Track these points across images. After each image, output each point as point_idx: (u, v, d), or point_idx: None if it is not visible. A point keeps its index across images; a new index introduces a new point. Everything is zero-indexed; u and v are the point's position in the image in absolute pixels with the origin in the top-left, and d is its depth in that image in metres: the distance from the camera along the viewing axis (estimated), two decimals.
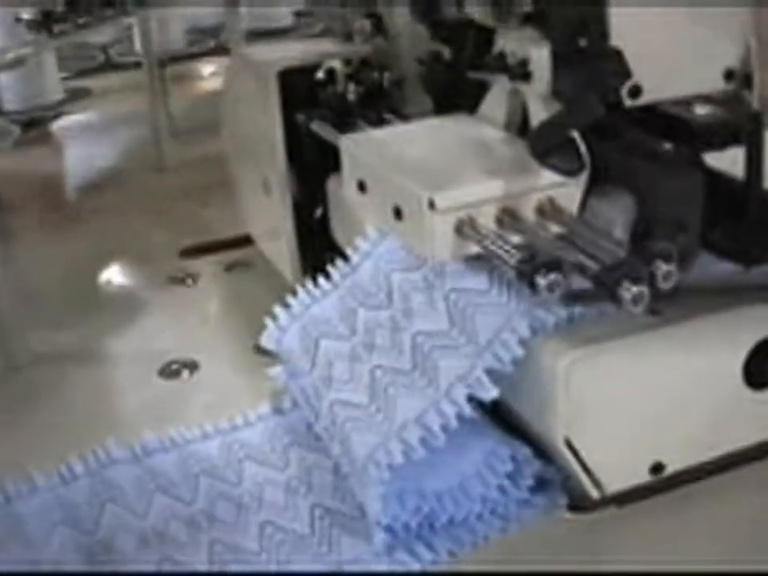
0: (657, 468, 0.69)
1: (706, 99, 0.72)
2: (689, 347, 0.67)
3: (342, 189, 0.89)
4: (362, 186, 0.74)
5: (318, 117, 0.88)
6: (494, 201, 0.67)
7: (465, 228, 0.66)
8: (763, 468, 0.72)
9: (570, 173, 0.65)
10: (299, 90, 0.92)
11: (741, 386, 0.70)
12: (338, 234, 0.94)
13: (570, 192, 0.68)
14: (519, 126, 0.75)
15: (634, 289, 0.57)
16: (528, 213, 0.68)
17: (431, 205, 0.65)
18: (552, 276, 0.59)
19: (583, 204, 0.69)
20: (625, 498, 0.70)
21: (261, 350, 0.90)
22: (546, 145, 0.64)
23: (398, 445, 0.66)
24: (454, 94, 0.81)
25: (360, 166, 0.74)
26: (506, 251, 0.62)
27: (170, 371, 0.91)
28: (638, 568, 0.65)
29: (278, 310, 0.83)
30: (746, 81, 0.69)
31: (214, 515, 0.72)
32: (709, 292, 0.68)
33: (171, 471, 0.76)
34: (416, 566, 0.66)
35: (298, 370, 0.79)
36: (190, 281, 1.08)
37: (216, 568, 0.67)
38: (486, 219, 0.67)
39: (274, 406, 0.83)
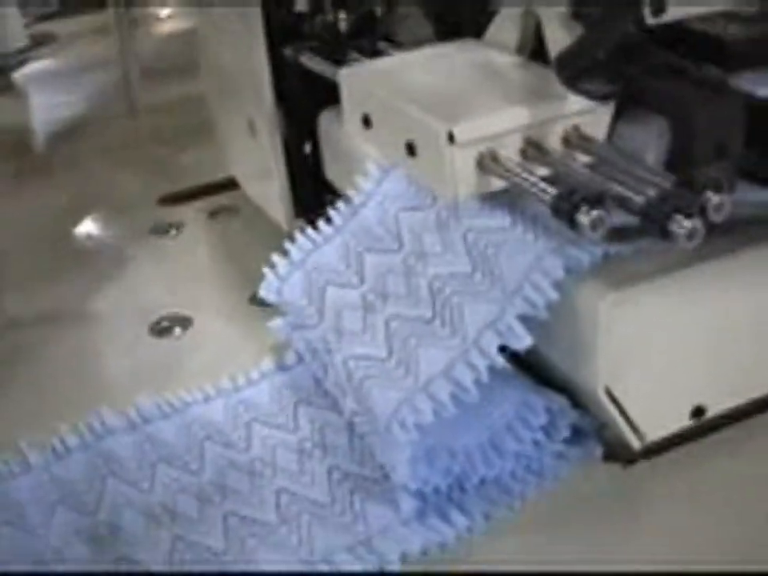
0: (698, 412, 0.64)
1: (732, 17, 0.66)
2: (729, 283, 0.62)
3: (339, 125, 0.83)
4: (366, 121, 0.68)
5: (307, 49, 0.82)
6: (516, 131, 0.61)
7: (487, 162, 0.61)
8: None
9: (603, 97, 0.59)
10: (284, 21, 0.85)
11: None
12: (333, 173, 0.88)
13: (596, 119, 0.63)
14: (532, 49, 0.70)
15: (687, 223, 0.52)
16: (553, 143, 0.62)
17: (450, 138, 0.59)
18: (595, 212, 0.53)
19: (611, 131, 0.63)
20: (664, 446, 0.65)
21: (257, 302, 0.84)
22: (574, 69, 0.58)
23: (425, 401, 0.60)
24: (457, 19, 0.74)
25: (364, 100, 0.68)
26: (538, 186, 0.57)
27: (160, 329, 0.85)
28: (679, 522, 0.61)
29: (276, 258, 0.77)
30: None
31: (225, 486, 0.66)
32: (748, 223, 0.62)
33: (173, 439, 0.71)
34: (450, 533, 0.61)
35: (302, 322, 0.74)
36: (173, 231, 1.01)
37: (234, 545, 0.62)
38: (509, 151, 0.61)
39: (278, 361, 0.78)
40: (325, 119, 0.88)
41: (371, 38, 0.83)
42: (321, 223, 0.78)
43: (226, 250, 0.97)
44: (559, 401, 0.64)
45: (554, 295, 0.60)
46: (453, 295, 0.64)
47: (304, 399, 0.74)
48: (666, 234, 0.52)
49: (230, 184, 1.02)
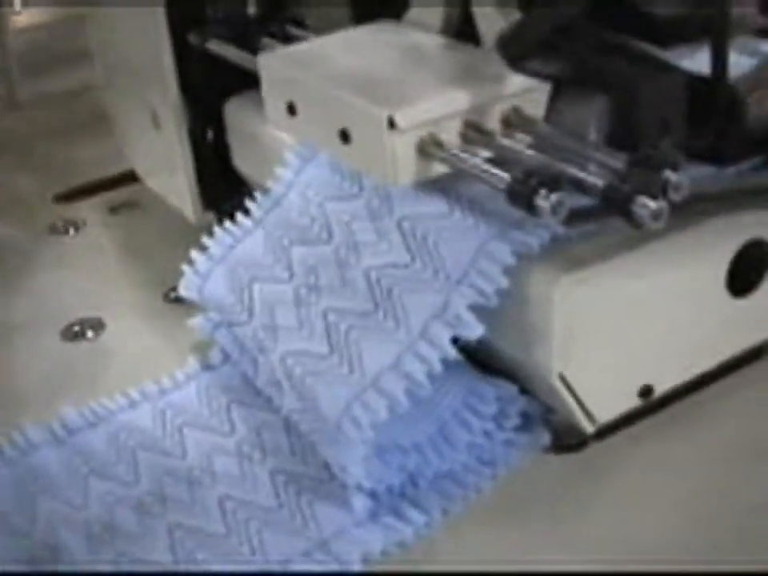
0: (646, 391, 0.64)
1: None
2: (674, 261, 0.62)
3: (249, 113, 0.80)
4: (291, 109, 0.65)
5: (214, 35, 0.78)
6: (456, 115, 0.59)
7: (428, 147, 0.58)
8: (747, 375, 0.68)
9: (549, 76, 0.58)
10: (187, 6, 0.81)
11: (724, 295, 0.65)
12: (243, 163, 0.86)
13: (535, 99, 0.61)
14: (456, 30, 0.68)
15: (653, 204, 0.50)
16: (493, 125, 0.60)
17: (391, 124, 0.57)
18: (554, 196, 0.51)
19: (549, 111, 0.61)
20: (613, 427, 0.64)
21: (173, 300, 0.81)
22: (518, 49, 0.57)
23: (378, 398, 0.58)
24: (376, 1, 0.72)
25: (289, 87, 0.65)
26: (488, 170, 0.55)
27: (72, 334, 0.81)
28: (632, 501, 0.61)
29: (194, 254, 0.74)
30: None
31: (164, 496, 0.63)
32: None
33: (103, 450, 0.67)
34: (408, 531, 0.59)
35: (229, 320, 0.71)
36: (72, 229, 0.97)
37: (181, 558, 0.59)
38: (450, 136, 0.59)
39: (202, 361, 0.75)
40: (232, 107, 0.85)
41: (280, 22, 0.80)
42: (239, 216, 0.75)
43: (132, 246, 0.93)
44: (509, 388, 0.63)
45: (503, 282, 0.58)
46: (393, 286, 0.62)
47: (236, 399, 0.71)
48: (629, 216, 0.51)
49: (129, 178, 0.98)
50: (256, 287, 0.69)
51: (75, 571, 0.58)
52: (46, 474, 0.65)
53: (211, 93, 0.84)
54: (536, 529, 0.59)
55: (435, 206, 0.63)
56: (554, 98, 0.61)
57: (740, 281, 0.65)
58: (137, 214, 0.97)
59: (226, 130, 0.85)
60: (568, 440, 0.65)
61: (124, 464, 0.66)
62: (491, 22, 0.63)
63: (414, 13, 0.69)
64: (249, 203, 0.75)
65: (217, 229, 0.75)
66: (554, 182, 0.51)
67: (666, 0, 0.61)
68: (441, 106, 0.58)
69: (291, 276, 0.68)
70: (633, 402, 0.64)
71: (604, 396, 0.62)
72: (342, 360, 0.61)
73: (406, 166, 0.59)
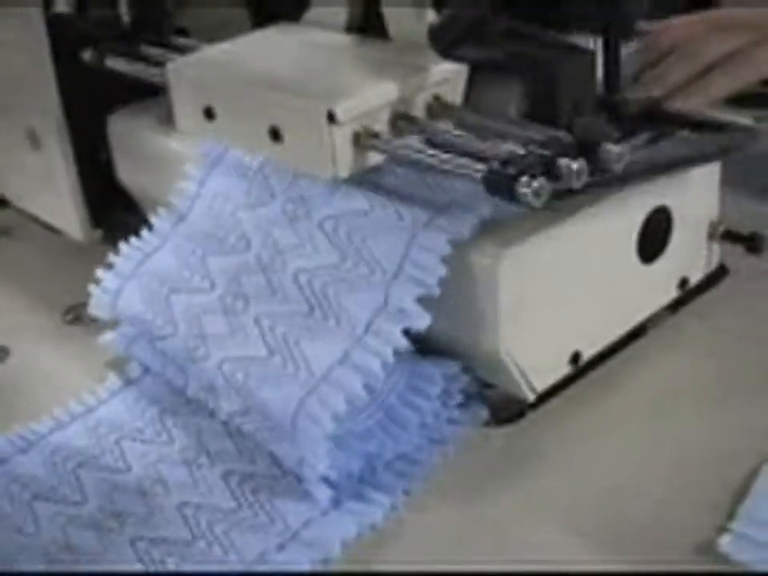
0: (575, 357, 0.67)
1: None
2: (592, 232, 0.65)
3: (137, 126, 0.80)
4: (209, 113, 0.65)
5: (109, 50, 0.77)
6: (388, 105, 0.61)
7: (365, 139, 0.60)
8: (657, 336, 0.72)
9: (477, 62, 0.60)
10: (66, 23, 0.80)
11: (636, 261, 0.68)
12: (131, 178, 0.85)
13: (453, 87, 0.64)
14: (359, 27, 0.70)
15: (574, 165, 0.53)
16: (418, 113, 0.62)
17: (331, 117, 0.58)
18: (536, 182, 0.53)
19: (467, 97, 0.64)
20: (546, 396, 0.67)
21: (71, 321, 0.80)
22: (448, 39, 0.59)
23: (332, 391, 0.59)
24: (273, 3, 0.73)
25: (204, 92, 0.66)
26: (459, 162, 0.57)
27: None
28: (575, 461, 0.64)
29: (100, 272, 0.73)
30: None
31: (118, 511, 0.62)
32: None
33: (41, 473, 0.66)
34: (378, 513, 0.60)
35: (149, 334, 0.70)
36: None
37: (152, 569, 0.58)
38: (382, 126, 0.61)
39: (122, 376, 0.73)
40: (117, 122, 0.84)
41: (162, 31, 0.80)
42: (145, 232, 0.74)
43: (15, 273, 0.90)
44: (452, 366, 0.65)
45: (442, 271, 0.60)
46: (326, 287, 0.63)
47: (167, 409, 0.70)
48: (554, 174, 0.53)
49: None
50: (175, 299, 0.69)
51: (75, 571, 0.58)
52: None
53: (95, 109, 0.83)
54: (495, 499, 0.61)
55: (354, 202, 0.64)
56: (471, 84, 0.64)
57: (648, 247, 0.69)
58: (12, 241, 0.95)
59: (110, 145, 0.84)
60: (505, 413, 0.67)
61: (67, 485, 0.65)
62: (401, 17, 0.65)
63: (314, 13, 0.71)
64: (153, 218, 0.74)
65: (123, 245, 0.74)
66: (532, 168, 0.53)
67: None
68: (374, 98, 0.60)
69: (213, 286, 0.68)
70: (565, 369, 0.67)
71: (542, 365, 0.65)
72: (284, 361, 0.62)
73: (344, 159, 0.60)
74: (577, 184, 0.54)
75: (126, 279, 0.73)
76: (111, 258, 0.74)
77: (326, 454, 0.59)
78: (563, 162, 0.54)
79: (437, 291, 0.60)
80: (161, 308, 0.69)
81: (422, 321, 0.60)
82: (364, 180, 0.64)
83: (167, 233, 0.73)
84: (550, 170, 0.52)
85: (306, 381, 0.60)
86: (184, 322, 0.68)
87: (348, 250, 0.63)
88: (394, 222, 0.62)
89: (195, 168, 0.74)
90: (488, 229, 0.62)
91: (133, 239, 0.74)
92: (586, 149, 0.53)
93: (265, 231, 0.68)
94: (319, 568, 0.57)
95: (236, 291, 0.67)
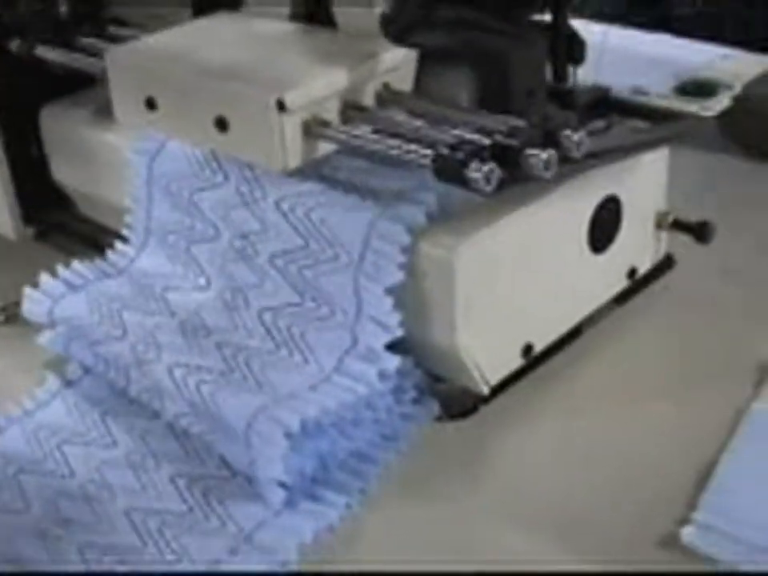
0: (527, 350, 0.66)
1: None
2: (543, 221, 0.64)
3: (71, 120, 0.77)
4: (151, 104, 0.63)
5: (39, 40, 0.75)
6: (337, 94, 0.59)
7: (315, 127, 0.58)
8: (608, 327, 0.72)
9: (439, 50, 0.59)
10: None
11: (587, 251, 0.68)
12: (65, 174, 0.82)
13: (402, 74, 0.62)
14: (304, 16, 0.68)
15: (544, 155, 0.52)
16: (368, 102, 0.61)
17: (280, 106, 0.57)
18: (486, 166, 0.52)
19: (418, 84, 0.63)
20: (498, 389, 0.66)
21: (8, 320, 0.77)
22: (402, 24, 0.57)
23: (296, 403, 0.58)
24: None
25: (146, 81, 0.64)
26: (405, 147, 0.55)
27: None
28: (531, 454, 0.63)
29: (44, 277, 0.71)
30: None
31: (64, 518, 0.60)
32: None
33: None
34: (333, 514, 0.58)
35: (93, 337, 0.68)
36: None
37: None
38: (331, 115, 0.59)
39: (62, 378, 0.71)
40: (50, 115, 0.81)
41: (98, 21, 0.77)
42: (110, 255, 0.72)
43: None
44: (405, 362, 0.63)
45: (402, 258, 0.59)
46: (303, 270, 0.62)
47: (109, 411, 0.68)
48: (522, 168, 0.53)
49: None
50: (127, 315, 0.67)
51: (74, 571, 0.56)
52: None
53: (26, 101, 0.80)
54: (454, 493, 0.60)
55: (308, 184, 0.63)
56: (420, 71, 0.62)
57: (599, 237, 0.68)
58: None
59: (42, 139, 0.82)
60: (457, 407, 0.66)
61: (8, 492, 0.62)
62: (347, 4, 0.64)
63: (256, 2, 0.69)
64: (120, 246, 0.72)
65: (78, 264, 0.72)
66: (481, 152, 0.52)
67: None
68: (323, 87, 0.59)
69: (171, 316, 0.66)
70: (517, 361, 0.66)
71: (495, 359, 0.64)
72: (244, 377, 0.61)
73: (294, 148, 0.59)
74: (546, 175, 0.53)
75: (71, 289, 0.70)
76: (61, 270, 0.72)
77: (280, 458, 0.57)
78: (532, 152, 0.53)
79: (399, 333, 0.60)
80: (110, 316, 0.67)
81: (390, 363, 0.60)
82: (315, 168, 0.63)
83: (123, 269, 0.71)
84: (516, 161, 0.51)
85: (267, 393, 0.59)
86: (136, 331, 0.66)
87: (308, 230, 0.62)
88: (353, 202, 0.61)
89: (135, 156, 0.71)
90: (441, 219, 0.61)
91: (86, 264, 0.72)
92: (548, 137, 0.52)
93: (225, 215, 0.66)
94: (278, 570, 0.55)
95: (197, 323, 0.65)
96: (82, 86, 0.78)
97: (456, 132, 0.56)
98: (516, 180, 0.53)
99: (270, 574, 0.56)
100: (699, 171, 0.86)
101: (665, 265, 0.76)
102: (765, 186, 0.87)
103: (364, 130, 0.58)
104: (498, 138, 0.53)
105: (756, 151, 0.87)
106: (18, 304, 0.74)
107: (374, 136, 0.57)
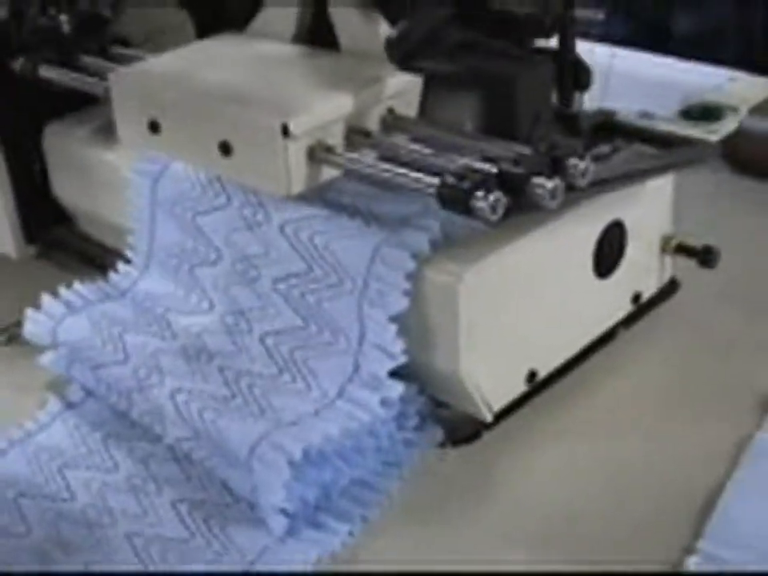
0: (531, 376, 0.66)
1: None
2: (550, 247, 0.64)
3: (73, 138, 0.77)
4: (154, 127, 0.63)
5: (42, 59, 0.74)
6: (342, 119, 0.59)
7: (319, 153, 0.58)
8: (611, 352, 0.71)
9: (444, 74, 0.59)
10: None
11: (591, 276, 0.67)
12: (67, 192, 0.82)
13: (407, 99, 0.62)
14: (307, 38, 0.68)
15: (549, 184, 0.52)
16: (373, 127, 0.61)
17: (285, 131, 0.56)
18: (492, 196, 0.52)
19: (423, 109, 0.63)
20: (502, 415, 0.66)
21: (9, 341, 0.77)
22: (408, 49, 0.57)
23: (301, 429, 0.57)
24: (223, 11, 0.71)
25: (149, 104, 0.63)
26: (412, 175, 0.55)
27: None
28: (534, 480, 0.62)
29: (46, 298, 0.71)
30: None
31: (65, 542, 0.60)
32: None
33: None
34: (335, 541, 0.58)
35: (95, 360, 0.68)
36: None
37: None
38: (336, 140, 0.59)
39: (64, 399, 0.71)
40: (52, 134, 0.81)
41: (101, 41, 0.77)
42: (112, 276, 0.72)
43: None
44: (408, 388, 0.63)
45: (407, 285, 0.58)
46: (306, 294, 0.62)
47: (110, 433, 0.68)
48: (527, 197, 0.52)
49: None
50: (130, 338, 0.67)
51: (75, 571, 0.56)
52: None
53: (29, 120, 0.80)
54: (456, 520, 0.60)
55: (314, 209, 0.63)
56: (426, 96, 0.62)
57: (604, 262, 0.68)
58: None
59: (45, 157, 0.81)
60: (460, 433, 0.65)
61: (8, 515, 0.62)
62: (354, 29, 0.63)
63: (260, 24, 0.69)
64: (121, 267, 0.72)
65: (80, 284, 0.72)
66: (487, 181, 0.52)
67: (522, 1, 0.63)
68: (328, 112, 0.59)
69: (173, 338, 0.66)
70: (521, 387, 0.65)
71: (499, 385, 0.64)
72: (247, 403, 0.60)
73: (298, 174, 0.58)
74: (553, 204, 0.53)
75: (73, 311, 0.70)
76: (63, 291, 0.71)
77: (282, 487, 0.57)
78: (538, 181, 0.52)
79: (403, 360, 0.59)
80: (113, 341, 0.67)
81: (394, 390, 0.59)
82: (319, 193, 0.62)
83: (126, 289, 0.71)
84: (522, 190, 0.51)
85: (271, 420, 0.59)
86: (138, 355, 0.65)
87: (312, 255, 0.61)
88: (357, 228, 0.61)
89: (139, 178, 0.71)
90: (445, 245, 0.60)
91: (88, 284, 0.71)
92: (554, 165, 0.52)
93: (227, 238, 0.65)
94: None
95: (199, 346, 0.65)
96: (85, 104, 0.78)
97: (461, 159, 0.55)
98: (522, 209, 0.53)
99: (270, 573, 0.56)
100: (703, 192, 0.85)
101: (669, 289, 0.75)
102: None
103: (369, 157, 0.58)
104: (504, 166, 0.53)
105: (760, 173, 0.87)
106: (19, 324, 0.73)
107: (379, 163, 0.57)
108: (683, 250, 0.73)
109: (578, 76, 0.62)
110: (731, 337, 0.73)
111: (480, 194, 0.51)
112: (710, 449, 0.63)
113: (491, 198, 0.51)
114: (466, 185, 0.51)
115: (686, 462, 0.62)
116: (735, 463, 0.61)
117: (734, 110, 0.77)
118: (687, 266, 0.73)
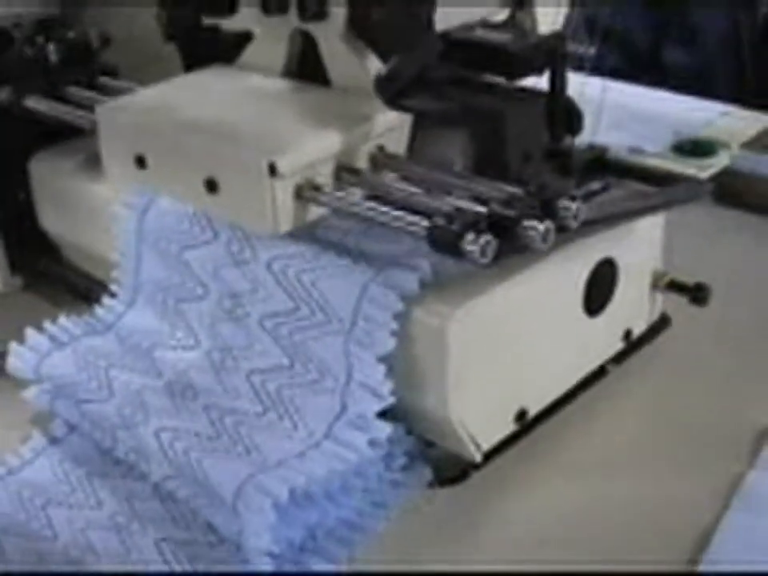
0: (521, 415, 0.65)
1: (486, 25, 0.67)
2: (538, 286, 0.63)
3: (59, 170, 0.76)
4: (141, 162, 0.62)
5: (28, 90, 0.74)
6: (331, 157, 0.58)
7: (307, 192, 0.57)
8: (603, 389, 0.71)
9: (435, 112, 0.58)
10: None
11: (581, 314, 0.67)
12: (54, 223, 0.81)
13: (397, 137, 0.62)
14: (296, 72, 0.67)
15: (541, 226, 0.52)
16: (362, 165, 0.60)
17: (272, 170, 0.56)
18: (482, 238, 0.51)
19: (411, 147, 0.62)
20: (490, 454, 0.65)
21: None
22: (395, 89, 0.57)
23: (287, 471, 0.56)
24: (210, 44, 0.70)
25: (136, 138, 0.63)
26: (401, 216, 0.55)
27: None
28: (522, 521, 0.62)
29: (30, 332, 0.70)
30: (520, 3, 0.66)
31: None
32: None
33: None
34: None
35: (79, 396, 0.67)
36: None
37: None
38: (325, 179, 0.58)
39: (47, 435, 0.70)
40: (39, 164, 0.80)
41: (89, 72, 0.76)
42: (98, 310, 0.71)
43: None
44: (396, 429, 0.62)
45: (394, 325, 0.58)
46: (293, 333, 0.61)
47: (94, 471, 0.67)
48: (518, 239, 0.52)
49: None
50: (114, 374, 0.66)
51: (75, 571, 0.56)
52: None
53: (13, 149, 0.79)
54: (444, 560, 0.59)
55: (300, 247, 0.62)
56: (414, 134, 0.62)
57: (594, 300, 0.67)
58: None
59: (31, 188, 0.81)
60: (449, 473, 0.65)
61: None
62: (342, 63, 0.63)
63: (248, 57, 0.68)
64: (107, 301, 0.71)
65: (65, 319, 0.71)
66: (477, 224, 0.51)
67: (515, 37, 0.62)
68: (317, 150, 0.58)
69: (158, 376, 0.65)
70: (510, 427, 0.65)
71: (487, 425, 0.63)
72: (233, 442, 0.60)
73: (285, 213, 0.58)
74: (544, 246, 0.52)
75: (57, 345, 0.69)
76: (47, 325, 0.70)
77: (268, 529, 0.56)
78: (529, 224, 0.52)
79: (391, 401, 0.59)
80: (97, 375, 0.66)
81: (382, 431, 0.59)
82: (307, 229, 0.62)
83: (112, 323, 0.70)
84: (513, 233, 0.50)
85: (256, 461, 0.58)
86: (123, 392, 0.65)
87: (300, 294, 0.61)
88: (346, 266, 0.60)
89: (126, 213, 0.70)
90: (434, 285, 0.60)
91: (73, 319, 0.70)
92: (545, 207, 0.51)
93: (215, 273, 0.65)
94: None
95: (185, 383, 0.64)
96: (72, 135, 0.77)
97: (451, 200, 0.55)
98: (512, 251, 0.52)
99: (270, 573, 0.56)
100: (694, 228, 0.85)
101: (660, 325, 0.75)
102: (761, 243, 0.86)
103: (357, 196, 0.57)
104: (495, 206, 0.52)
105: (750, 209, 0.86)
106: (3, 356, 0.72)
107: (368, 202, 0.56)
108: (675, 286, 0.72)
109: (569, 121, 0.62)
110: (723, 372, 0.72)
111: (470, 236, 0.50)
112: (701, 488, 0.62)
113: (481, 240, 0.50)
114: (456, 227, 0.51)
115: (679, 500, 0.61)
116: (726, 505, 0.60)
117: (726, 145, 0.77)
118: (677, 301, 0.73)
